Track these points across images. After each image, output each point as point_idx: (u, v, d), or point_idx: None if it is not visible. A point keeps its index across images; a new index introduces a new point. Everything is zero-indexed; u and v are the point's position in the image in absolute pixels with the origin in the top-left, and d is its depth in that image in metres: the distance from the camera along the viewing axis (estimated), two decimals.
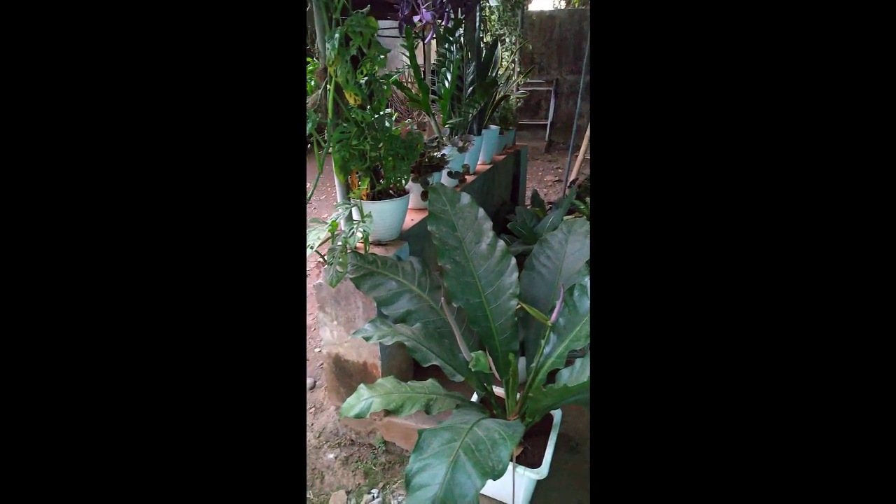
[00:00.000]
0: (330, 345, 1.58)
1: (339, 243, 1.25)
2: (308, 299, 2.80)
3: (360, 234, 1.21)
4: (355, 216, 1.38)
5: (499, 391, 1.34)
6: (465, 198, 1.32)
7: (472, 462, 0.83)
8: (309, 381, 2.08)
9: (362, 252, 1.35)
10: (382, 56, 1.26)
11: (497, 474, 0.82)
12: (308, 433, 1.77)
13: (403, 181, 1.44)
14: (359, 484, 1.57)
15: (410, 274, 1.30)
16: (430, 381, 1.21)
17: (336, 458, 1.66)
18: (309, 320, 2.61)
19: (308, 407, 1.90)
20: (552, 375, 1.23)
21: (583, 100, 4.50)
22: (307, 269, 3.11)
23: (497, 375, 1.29)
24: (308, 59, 1.33)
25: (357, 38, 1.20)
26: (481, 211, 1.30)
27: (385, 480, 1.56)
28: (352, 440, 1.70)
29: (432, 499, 0.79)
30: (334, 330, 1.53)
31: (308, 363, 2.20)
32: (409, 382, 1.20)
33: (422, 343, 1.07)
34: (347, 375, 1.62)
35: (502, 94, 2.57)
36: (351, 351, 1.54)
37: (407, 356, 1.70)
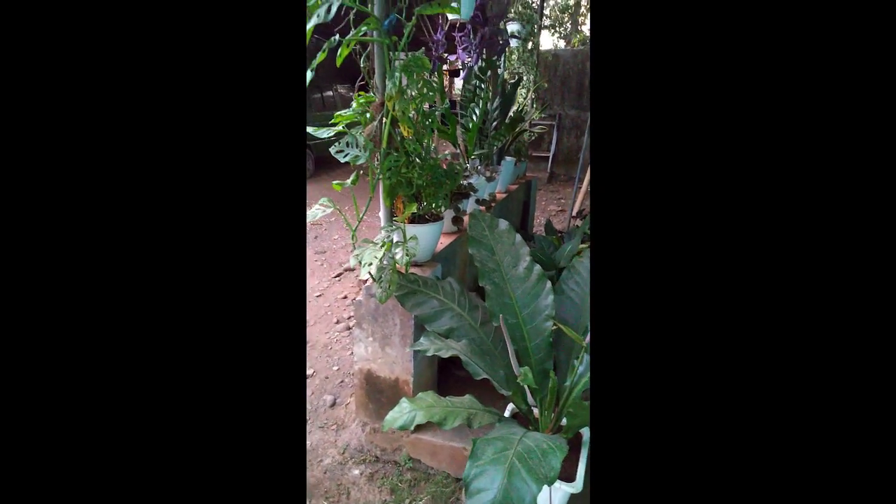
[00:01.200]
0: (363, 360, 1.64)
1: (387, 263, 1.33)
2: (323, 317, 2.86)
3: (406, 256, 1.29)
4: (396, 238, 1.47)
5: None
6: (503, 224, 1.42)
7: (526, 469, 0.90)
8: (329, 398, 2.11)
9: (403, 272, 1.44)
10: (432, 93, 1.39)
11: (550, 481, 0.88)
12: (332, 449, 1.80)
13: (442, 207, 1.54)
14: (385, 500, 1.59)
15: (450, 293, 1.38)
16: (467, 396, 1.28)
17: (361, 473, 1.69)
18: (324, 338, 2.65)
19: (329, 424, 1.93)
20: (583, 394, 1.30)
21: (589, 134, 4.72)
22: (345, 288, 3.17)
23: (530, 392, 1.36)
24: (362, 93, 1.45)
25: (411, 78, 1.33)
26: (518, 236, 1.40)
27: (411, 497, 1.59)
28: (377, 457, 1.73)
29: (492, 501, 0.85)
30: (369, 346, 1.59)
31: (328, 380, 2.24)
32: (448, 397, 1.26)
33: (472, 358, 1.14)
34: (378, 392, 1.67)
35: (520, 128, 2.73)
36: (384, 367, 1.60)
37: (433, 374, 1.76)
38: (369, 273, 1.23)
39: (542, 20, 2.91)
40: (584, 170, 4.99)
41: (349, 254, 3.87)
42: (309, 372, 2.33)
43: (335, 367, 2.35)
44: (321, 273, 3.54)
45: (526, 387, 1.12)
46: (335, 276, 3.47)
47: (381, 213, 1.52)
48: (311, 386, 2.20)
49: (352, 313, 2.93)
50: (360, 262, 1.24)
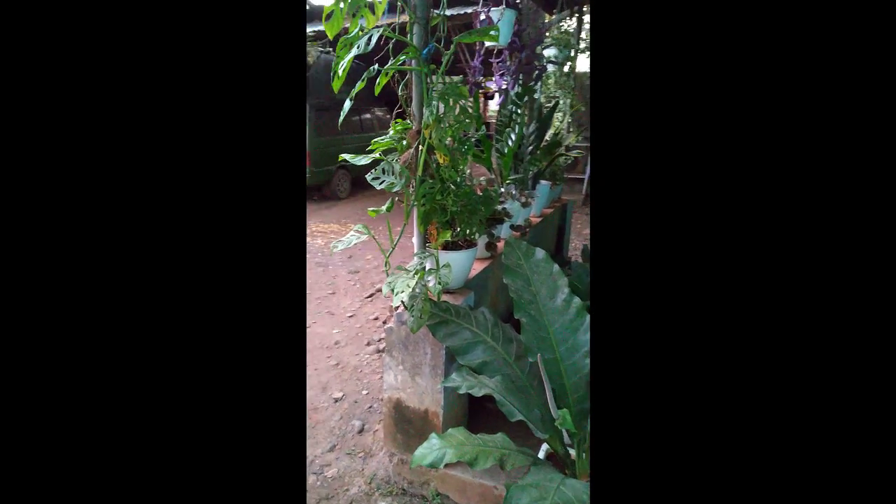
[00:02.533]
0: (392, 389, 1.60)
1: (419, 290, 1.30)
2: (354, 338, 2.86)
3: (439, 284, 1.27)
4: (429, 265, 1.45)
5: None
6: (540, 253, 1.37)
7: None
8: (357, 423, 2.09)
9: (435, 300, 1.41)
10: (469, 120, 1.37)
11: None
12: (359, 478, 1.76)
13: (476, 234, 1.51)
14: None
15: (483, 324, 1.33)
16: (500, 435, 1.21)
17: None
18: (354, 360, 2.64)
19: (357, 451, 1.90)
20: None
21: None
22: (377, 313, 3.19)
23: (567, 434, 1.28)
24: (399, 120, 1.46)
25: (448, 106, 1.32)
26: (556, 266, 1.34)
27: None
28: (404, 489, 1.68)
29: None
30: (399, 375, 1.56)
31: (356, 405, 2.21)
32: (479, 435, 1.20)
33: (506, 397, 1.09)
34: (406, 422, 1.62)
35: (557, 153, 2.69)
36: (413, 397, 1.56)
37: (464, 406, 1.70)
38: (401, 301, 1.20)
39: (579, 43, 2.91)
40: None
41: (382, 274, 3.90)
42: (339, 395, 2.31)
43: (364, 392, 2.33)
44: (354, 293, 3.57)
45: (575, 430, 1.05)
46: (367, 297, 3.48)
47: (415, 239, 1.50)
48: (340, 410, 2.18)
49: (383, 335, 2.92)
50: (393, 290, 1.22)
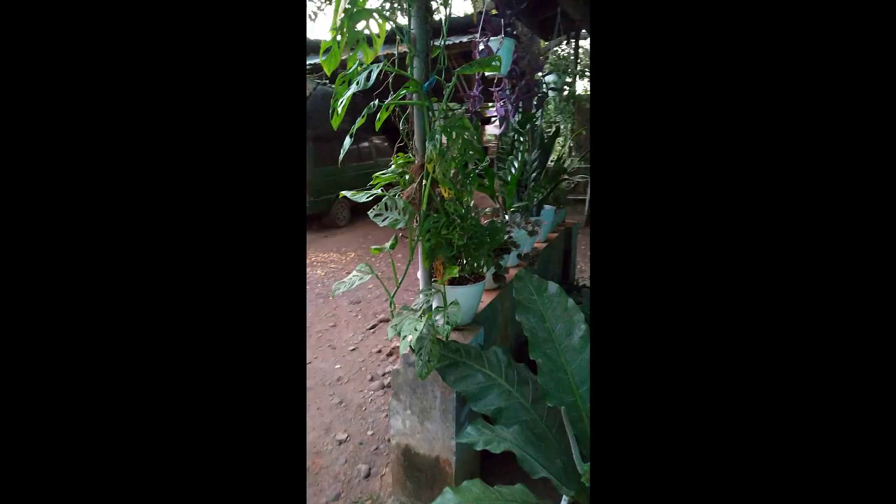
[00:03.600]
0: (400, 435, 1.51)
1: (426, 332, 1.23)
2: (357, 373, 2.75)
3: (448, 325, 1.19)
4: (436, 303, 1.38)
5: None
6: (553, 287, 1.31)
7: None
8: (363, 467, 1.97)
9: (443, 340, 1.33)
10: (472, 152, 1.33)
11: None
12: None
13: (484, 267, 1.45)
14: None
15: (496, 366, 1.25)
16: (519, 487, 1.12)
17: None
18: (358, 397, 2.54)
19: (364, 499, 1.78)
20: None
21: None
22: (385, 351, 3.10)
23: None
24: (401, 154, 1.42)
25: (451, 139, 1.28)
26: (570, 300, 1.27)
27: None
28: None
29: None
30: (407, 420, 1.47)
31: (362, 447, 2.11)
32: (497, 487, 1.11)
33: (528, 452, 1.01)
34: (416, 469, 1.52)
35: (561, 179, 2.66)
36: (423, 444, 1.46)
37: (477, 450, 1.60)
38: (409, 346, 1.13)
39: (577, 68, 2.92)
40: None
41: (385, 303, 3.82)
42: (343, 436, 2.20)
43: (370, 432, 2.22)
44: (356, 324, 3.48)
45: None
46: (370, 328, 3.39)
47: (420, 275, 1.44)
48: (345, 453, 2.07)
49: (387, 369, 2.82)
50: (399, 333, 1.14)
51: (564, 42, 2.99)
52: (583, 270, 4.94)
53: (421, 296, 1.35)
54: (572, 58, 2.99)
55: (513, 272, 2.20)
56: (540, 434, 1.11)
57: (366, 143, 7.25)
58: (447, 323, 1.20)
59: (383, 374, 2.75)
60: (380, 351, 3.06)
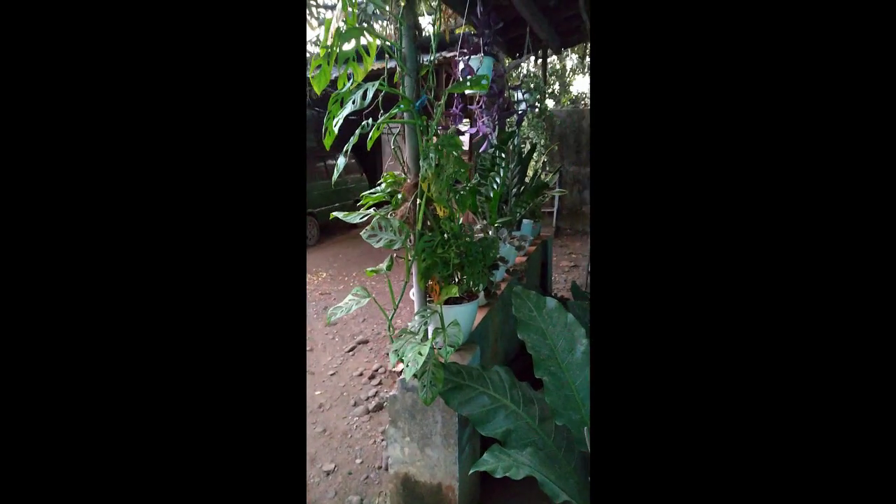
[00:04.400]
0: (399, 463, 1.44)
1: (427, 355, 1.19)
2: (339, 399, 2.64)
3: (450, 347, 1.16)
4: (432, 324, 1.34)
5: None
6: (552, 302, 1.30)
7: None
8: (354, 498, 1.88)
9: (443, 361, 1.29)
10: (464, 170, 1.32)
11: None
12: None
13: (481, 286, 1.43)
14: None
15: (500, 386, 1.23)
16: None
17: None
18: (342, 424, 2.43)
19: None
20: None
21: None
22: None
23: None
24: (390, 174, 1.39)
25: (444, 158, 1.27)
26: (570, 315, 1.27)
27: None
28: None
29: None
30: (406, 447, 1.41)
31: (351, 477, 2.01)
32: None
33: (547, 476, 0.98)
34: (417, 498, 1.46)
35: (543, 193, 2.70)
36: (424, 471, 1.41)
37: (478, 473, 1.56)
38: (413, 374, 1.09)
39: (546, 86, 3.00)
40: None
41: (362, 324, 3.71)
42: (330, 466, 2.09)
43: (358, 461, 2.12)
44: (333, 348, 3.36)
45: None
46: (349, 351, 3.28)
47: (415, 295, 1.40)
48: (334, 485, 1.97)
49: (370, 393, 2.73)
50: (403, 360, 1.10)
51: (532, 60, 3.08)
52: (557, 282, 5.01)
53: (417, 317, 1.31)
54: (540, 75, 3.08)
55: (501, 286, 2.20)
56: (550, 454, 1.09)
57: (331, 161, 7.15)
58: (449, 345, 1.16)
59: (367, 399, 2.65)
60: (361, 374, 2.96)
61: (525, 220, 2.73)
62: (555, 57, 7.52)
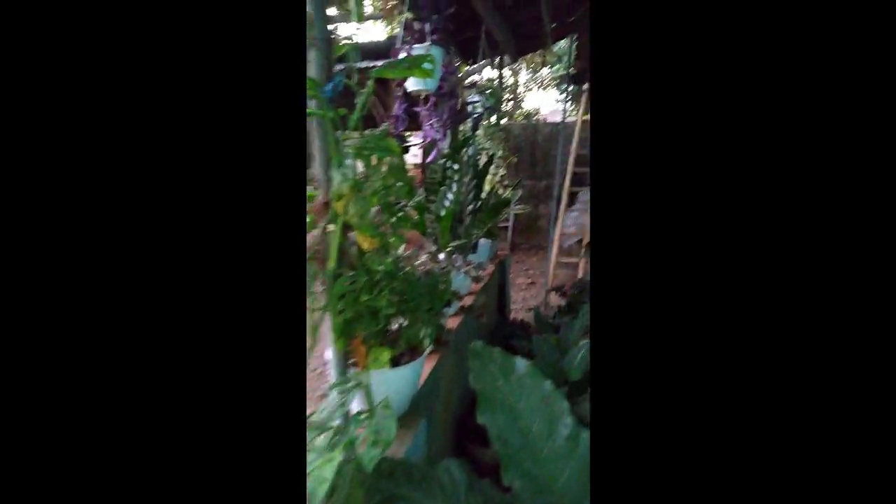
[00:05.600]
0: None
1: (342, 457, 0.79)
2: None
3: (376, 446, 0.77)
4: (356, 403, 0.95)
5: None
6: (521, 364, 0.95)
7: None
8: None
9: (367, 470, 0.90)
10: (402, 183, 0.96)
11: None
12: None
13: (428, 340, 1.05)
14: None
15: (452, 492, 0.85)
16: None
17: None
18: None
19: None
20: None
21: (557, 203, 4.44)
22: None
23: None
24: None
25: (370, 166, 0.90)
26: (548, 383, 0.93)
27: None
28: None
29: None
30: None
31: None
32: None
33: None
34: None
35: (504, 212, 2.39)
36: None
37: None
38: (324, 496, 0.69)
39: (503, 93, 2.75)
40: (556, 239, 4.73)
41: None
42: None
43: None
44: None
45: None
46: None
47: (331, 358, 0.99)
48: None
49: None
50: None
51: (491, 66, 2.82)
52: (515, 301, 4.73)
53: (333, 393, 0.91)
54: (497, 82, 2.82)
55: (451, 322, 1.84)
56: None
57: None
58: (375, 443, 0.78)
59: None
60: None
61: (482, 240, 2.41)
62: (508, 70, 7.41)
